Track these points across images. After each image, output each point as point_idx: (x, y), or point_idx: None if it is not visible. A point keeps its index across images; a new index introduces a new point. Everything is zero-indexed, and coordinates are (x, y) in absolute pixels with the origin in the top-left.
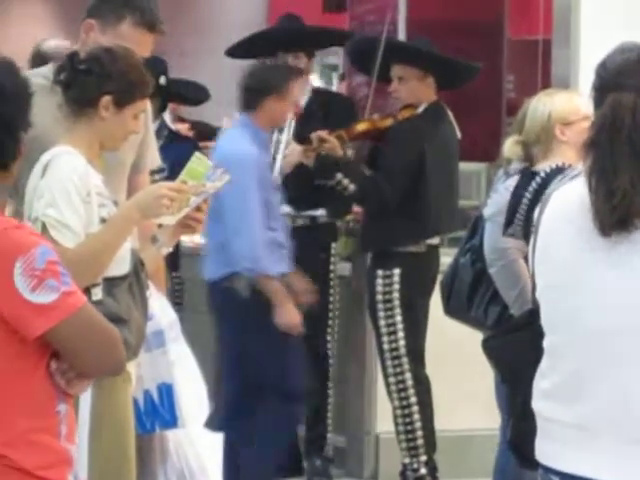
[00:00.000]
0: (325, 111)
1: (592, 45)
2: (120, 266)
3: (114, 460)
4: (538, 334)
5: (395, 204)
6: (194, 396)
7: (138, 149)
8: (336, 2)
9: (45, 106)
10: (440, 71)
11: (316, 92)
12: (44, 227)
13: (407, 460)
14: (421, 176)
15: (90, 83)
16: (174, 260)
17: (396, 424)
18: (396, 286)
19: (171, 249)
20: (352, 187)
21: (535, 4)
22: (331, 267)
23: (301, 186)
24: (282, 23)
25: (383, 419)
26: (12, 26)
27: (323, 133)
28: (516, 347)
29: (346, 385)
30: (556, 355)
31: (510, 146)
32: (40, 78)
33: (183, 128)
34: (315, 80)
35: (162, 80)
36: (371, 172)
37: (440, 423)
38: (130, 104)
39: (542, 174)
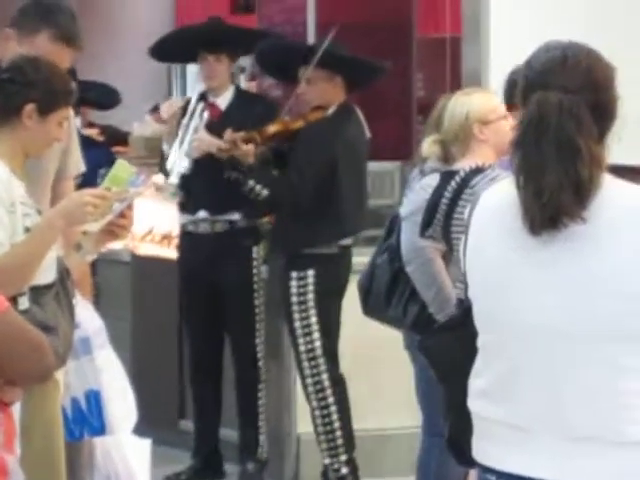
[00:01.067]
0: (246, 112)
1: (502, 41)
2: (46, 274)
3: (43, 467)
4: (473, 333)
5: (307, 206)
6: (122, 402)
7: (61, 156)
8: (245, 3)
9: None
10: (347, 72)
11: (239, 92)
12: None
13: (328, 461)
14: (332, 177)
15: (13, 92)
16: (91, 266)
17: (315, 425)
18: (310, 287)
19: (95, 256)
20: (265, 192)
21: (442, 1)
22: (254, 271)
23: (216, 189)
24: (205, 23)
25: (303, 420)
26: None
27: (236, 136)
28: (452, 346)
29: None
30: (489, 354)
31: (428, 145)
32: None
33: (93, 133)
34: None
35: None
36: (281, 174)
37: (358, 423)
38: (54, 112)
39: (461, 173)
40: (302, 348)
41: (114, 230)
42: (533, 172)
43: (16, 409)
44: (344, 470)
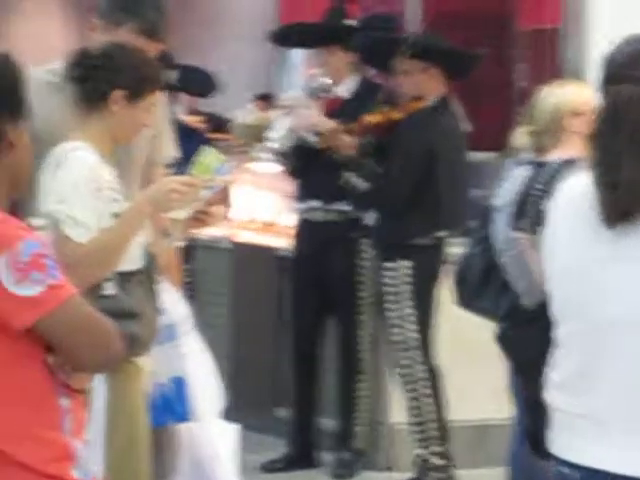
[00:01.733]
0: (367, 102)
1: (602, 33)
2: (132, 261)
3: (128, 451)
4: (550, 325)
5: (406, 199)
6: (207, 389)
7: (152, 142)
8: None
9: (53, 102)
10: (444, 62)
11: (364, 82)
12: (56, 223)
13: (420, 451)
14: (430, 169)
15: (101, 78)
16: (185, 252)
17: (408, 416)
18: (405, 278)
19: (183, 242)
20: (364, 185)
21: None
22: (362, 262)
23: (329, 179)
24: (325, 17)
25: (397, 410)
26: (31, 19)
27: (335, 127)
28: (529, 339)
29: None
30: (565, 346)
31: (520, 136)
32: (49, 75)
33: (196, 120)
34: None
35: (170, 74)
36: (380, 168)
37: (454, 413)
38: (141, 98)
39: (552, 165)
40: (396, 339)
41: (201, 217)
42: (608, 166)
43: (100, 395)
44: (437, 461)
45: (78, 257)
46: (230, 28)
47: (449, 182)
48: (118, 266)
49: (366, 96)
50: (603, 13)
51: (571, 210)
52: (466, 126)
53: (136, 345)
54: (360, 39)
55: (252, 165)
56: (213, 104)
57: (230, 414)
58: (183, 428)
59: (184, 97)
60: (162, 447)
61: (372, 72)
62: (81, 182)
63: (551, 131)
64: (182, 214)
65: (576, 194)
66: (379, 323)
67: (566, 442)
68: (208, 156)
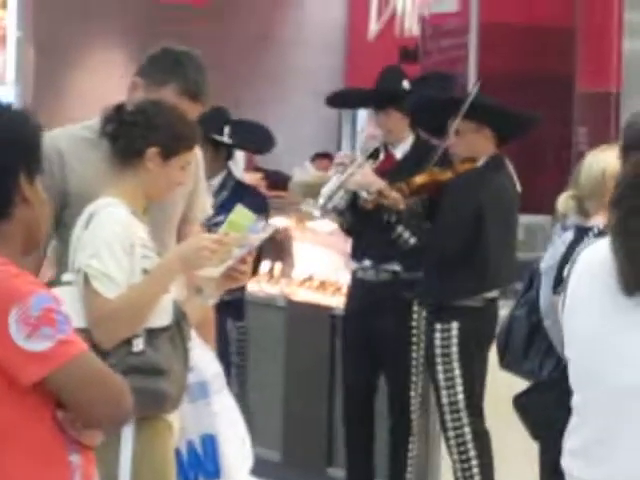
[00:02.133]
0: (420, 162)
1: None
2: (162, 317)
3: None
4: (568, 392)
5: (454, 258)
6: (238, 448)
7: (187, 200)
8: (413, 53)
9: (90, 159)
10: (496, 123)
11: (418, 143)
12: (86, 278)
13: None
14: (479, 230)
15: (136, 135)
16: (239, 309)
17: (456, 478)
18: (454, 340)
19: (217, 300)
20: (412, 240)
21: (607, 56)
22: (414, 324)
23: (381, 239)
24: (381, 78)
25: (448, 471)
26: (92, 74)
27: (383, 187)
28: (547, 404)
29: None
30: (582, 413)
31: (564, 200)
32: (86, 132)
33: (255, 178)
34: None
35: (226, 130)
36: (430, 225)
37: (500, 477)
38: (176, 156)
39: (595, 230)
40: (445, 400)
41: (234, 275)
42: (627, 234)
43: (127, 451)
44: None
45: (106, 313)
46: (296, 83)
47: (498, 243)
48: (147, 322)
49: (420, 157)
50: None
51: (589, 277)
52: (518, 187)
53: (164, 401)
54: (413, 100)
55: (310, 223)
56: (277, 161)
57: (283, 473)
58: None
59: (243, 154)
60: None
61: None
62: (113, 238)
63: (595, 195)
64: (214, 272)
65: (595, 261)
66: (429, 384)
67: None
68: (239, 214)
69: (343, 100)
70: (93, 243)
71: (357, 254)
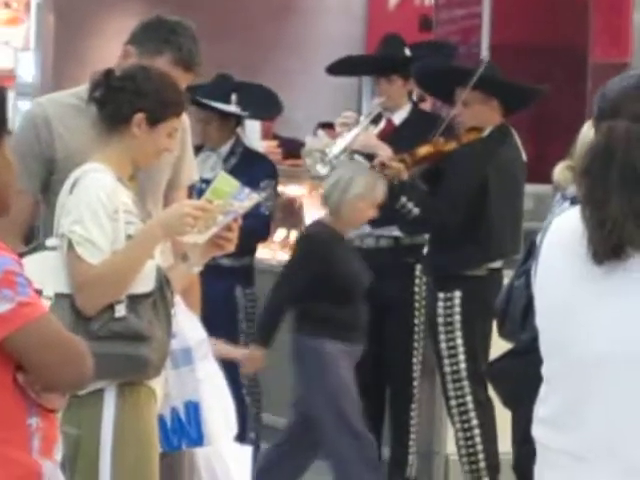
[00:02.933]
0: (418, 130)
1: None
2: (145, 283)
3: (137, 475)
4: (539, 360)
5: (457, 228)
6: (222, 414)
7: (174, 166)
8: (431, 22)
9: (77, 125)
10: (504, 95)
11: (415, 111)
12: (70, 244)
13: None
14: (484, 200)
15: (124, 100)
16: (247, 276)
17: (458, 447)
18: (457, 309)
19: (201, 267)
20: (416, 210)
21: (621, 27)
22: (416, 289)
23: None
24: (382, 46)
25: (452, 440)
26: (111, 41)
27: (385, 158)
28: (517, 373)
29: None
30: (552, 382)
31: (560, 170)
32: (73, 98)
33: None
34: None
35: (233, 98)
36: (433, 195)
37: (504, 445)
38: (163, 122)
39: (568, 198)
40: (447, 369)
41: (219, 242)
42: (597, 202)
43: (109, 416)
44: None
45: (90, 278)
46: (317, 52)
47: (502, 213)
48: (130, 288)
49: (417, 124)
50: None
51: (560, 246)
52: (524, 156)
53: (146, 368)
54: (420, 67)
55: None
56: (297, 129)
57: None
58: (198, 452)
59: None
60: (176, 472)
61: (424, 102)
62: (97, 204)
63: None
64: (198, 238)
65: (566, 230)
66: (432, 353)
67: (550, 478)
68: (224, 182)
69: (346, 68)
70: (77, 209)
71: None
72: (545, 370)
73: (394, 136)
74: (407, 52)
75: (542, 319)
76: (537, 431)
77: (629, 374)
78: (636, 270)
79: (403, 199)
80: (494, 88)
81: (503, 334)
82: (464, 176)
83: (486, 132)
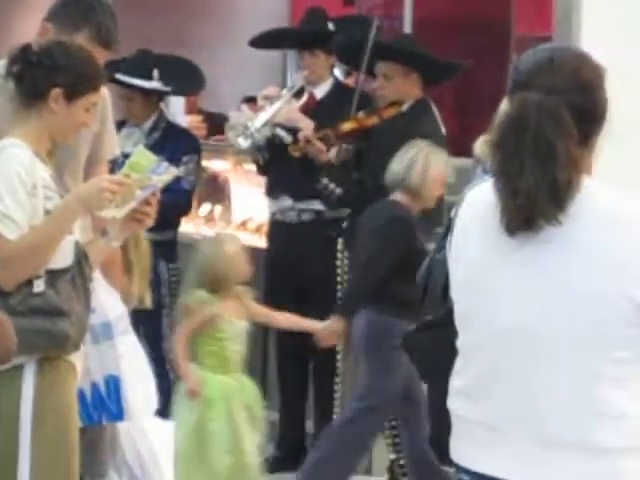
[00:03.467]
0: (340, 104)
1: (593, 41)
2: (63, 258)
3: (56, 450)
4: (455, 332)
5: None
6: (142, 389)
7: (94, 141)
8: None
9: None
10: (424, 68)
11: (337, 85)
12: None
13: (393, 456)
14: None
15: (41, 75)
16: (171, 251)
17: None
18: None
19: (121, 242)
20: (338, 191)
21: (545, 0)
22: (338, 262)
23: (299, 175)
24: (305, 20)
25: None
26: (31, 17)
27: (309, 134)
28: (434, 344)
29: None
30: (467, 354)
31: (480, 144)
32: None
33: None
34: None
35: (155, 74)
36: (356, 173)
37: None
38: (81, 97)
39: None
40: None
41: (138, 217)
42: (510, 173)
43: (28, 391)
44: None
45: (7, 253)
46: (242, 26)
47: None
48: (48, 264)
49: (339, 98)
50: (594, 20)
51: (474, 218)
52: (443, 129)
53: (65, 342)
54: (339, 41)
55: (247, 166)
56: (223, 104)
57: None
58: (120, 427)
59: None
60: (98, 446)
61: (350, 76)
62: (14, 179)
63: None
64: (117, 213)
65: (480, 203)
66: None
67: (465, 449)
68: (142, 156)
69: (270, 41)
70: None
71: (274, 192)
72: (460, 342)
73: (316, 110)
74: (330, 26)
75: (456, 291)
76: (452, 403)
77: (539, 345)
78: (548, 241)
79: (325, 180)
80: (415, 61)
81: (424, 308)
82: (386, 151)
83: (406, 106)
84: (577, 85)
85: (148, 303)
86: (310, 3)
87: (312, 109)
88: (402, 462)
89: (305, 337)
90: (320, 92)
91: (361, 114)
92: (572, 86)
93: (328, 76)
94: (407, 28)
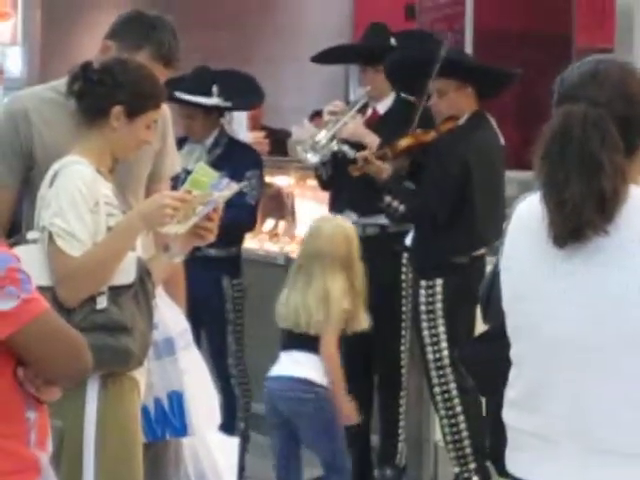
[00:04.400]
0: (403, 118)
1: None
2: (125, 275)
3: (120, 466)
4: (508, 344)
5: (445, 219)
6: (205, 404)
7: (155, 159)
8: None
9: (56, 119)
10: (476, 80)
11: (399, 99)
12: (51, 236)
13: (457, 469)
14: (466, 187)
15: (102, 93)
16: (235, 266)
17: (443, 434)
18: (439, 296)
19: (183, 257)
20: (402, 208)
21: (606, 12)
22: (402, 277)
23: (364, 190)
24: (368, 35)
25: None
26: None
27: (368, 154)
28: (490, 357)
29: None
30: (519, 365)
31: None
32: (52, 92)
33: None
34: None
35: (214, 90)
36: (417, 189)
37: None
38: (142, 114)
39: None
40: (430, 357)
41: (200, 233)
42: (556, 185)
43: (92, 408)
44: (475, 479)
45: (70, 270)
46: (304, 41)
47: (485, 200)
48: (110, 280)
49: (401, 113)
50: None
51: (524, 230)
52: (501, 141)
53: (128, 359)
54: (391, 59)
55: (311, 181)
56: (285, 119)
57: None
58: (184, 442)
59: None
60: (162, 462)
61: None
62: (77, 196)
63: None
64: (179, 229)
65: (528, 215)
66: (417, 341)
67: (518, 460)
68: (202, 172)
69: (332, 57)
70: (57, 201)
71: (338, 207)
72: (513, 354)
73: (379, 125)
74: (393, 41)
75: (508, 303)
76: (507, 414)
77: (588, 354)
78: (596, 252)
79: (388, 198)
80: (465, 74)
81: (487, 321)
82: (445, 166)
83: (463, 119)
84: (621, 96)
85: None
86: (373, 18)
87: (375, 124)
88: (466, 475)
89: (369, 354)
90: (383, 107)
91: (419, 131)
92: (616, 97)
93: (390, 91)
94: (468, 41)
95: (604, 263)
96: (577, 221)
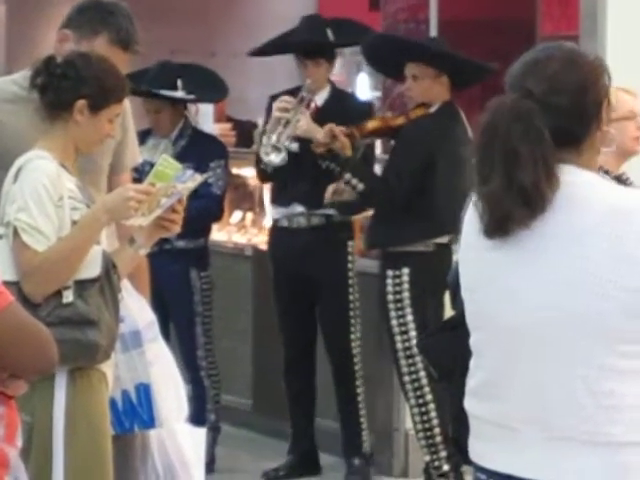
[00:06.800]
0: (340, 109)
1: (618, 40)
2: (91, 268)
3: (90, 460)
4: (468, 333)
5: (403, 203)
6: (173, 396)
7: (116, 150)
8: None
9: (18, 113)
10: (454, 70)
11: (334, 91)
12: (16, 231)
13: (428, 457)
14: (430, 176)
15: (65, 87)
16: (202, 259)
17: (414, 422)
18: (406, 286)
19: (148, 250)
20: (361, 186)
21: (570, 0)
22: (349, 266)
23: (314, 183)
24: (303, 27)
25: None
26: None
27: (335, 129)
28: (450, 346)
29: (372, 383)
30: (478, 354)
31: None
32: (13, 85)
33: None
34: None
35: (179, 83)
36: (380, 171)
37: None
38: (105, 108)
39: None
40: (399, 346)
41: (164, 225)
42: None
43: (60, 401)
44: (445, 467)
45: (35, 265)
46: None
47: (447, 189)
48: (76, 274)
49: (337, 105)
50: (619, 19)
51: (472, 222)
52: (470, 134)
53: (95, 352)
54: (371, 40)
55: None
56: (252, 112)
57: (254, 420)
58: (151, 435)
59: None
60: (129, 454)
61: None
62: (41, 190)
63: None
64: (143, 221)
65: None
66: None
67: (479, 448)
68: (166, 165)
69: (271, 50)
70: (22, 196)
71: (284, 200)
72: (472, 343)
73: (317, 117)
74: (329, 34)
75: (465, 292)
76: (468, 403)
77: (543, 340)
78: (526, 242)
79: (347, 175)
80: (446, 63)
81: (455, 307)
82: (410, 151)
83: (433, 108)
84: (557, 87)
85: None
86: (337, 9)
87: (315, 117)
88: (437, 464)
89: (312, 342)
90: (320, 99)
91: (388, 114)
92: (551, 88)
93: (327, 84)
94: (433, 31)
95: (549, 248)
96: (499, 214)
